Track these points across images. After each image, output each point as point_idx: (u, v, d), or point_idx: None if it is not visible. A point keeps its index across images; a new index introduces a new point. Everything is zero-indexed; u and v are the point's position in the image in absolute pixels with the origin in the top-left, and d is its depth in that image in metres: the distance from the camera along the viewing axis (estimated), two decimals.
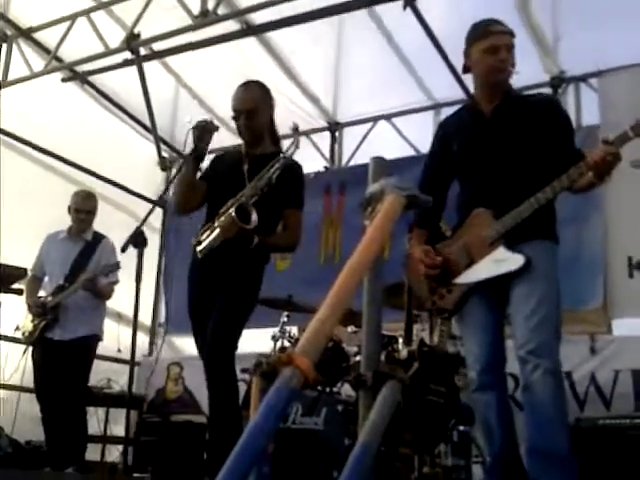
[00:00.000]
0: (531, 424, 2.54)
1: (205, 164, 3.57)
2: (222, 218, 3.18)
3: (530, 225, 2.66)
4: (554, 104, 2.99)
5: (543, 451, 2.48)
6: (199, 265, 3.31)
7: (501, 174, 2.78)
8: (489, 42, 2.79)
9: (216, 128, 3.33)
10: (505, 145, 2.80)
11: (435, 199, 2.96)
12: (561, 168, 2.63)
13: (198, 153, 3.30)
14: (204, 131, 3.28)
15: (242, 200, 3.16)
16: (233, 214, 3.10)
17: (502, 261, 2.67)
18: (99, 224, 4.92)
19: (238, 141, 7.66)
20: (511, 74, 2.85)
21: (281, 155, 3.32)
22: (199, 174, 3.48)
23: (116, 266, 4.59)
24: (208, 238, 3.20)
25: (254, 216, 3.11)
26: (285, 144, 3.53)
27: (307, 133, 6.76)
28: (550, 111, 2.85)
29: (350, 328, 4.16)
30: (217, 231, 3.17)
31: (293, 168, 3.38)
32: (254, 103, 3.41)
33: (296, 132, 3.42)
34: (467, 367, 2.85)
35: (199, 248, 3.24)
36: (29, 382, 4.69)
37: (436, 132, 3.17)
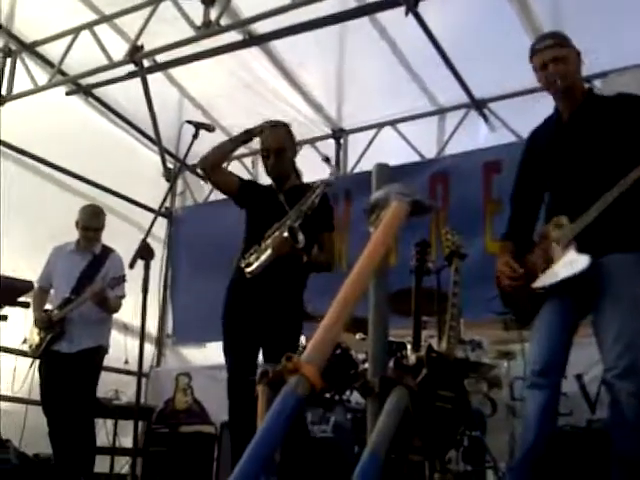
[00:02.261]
0: (616, 435, 2.59)
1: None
2: (269, 241, 3.40)
3: (611, 236, 2.64)
4: (634, 99, 2.91)
5: (631, 461, 2.53)
6: (247, 284, 3.45)
7: (582, 178, 2.77)
8: (536, 61, 2.92)
9: (213, 129, 3.60)
10: (584, 149, 2.80)
11: (525, 211, 3.04)
12: None
13: (248, 137, 3.66)
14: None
15: (290, 223, 3.39)
16: (286, 234, 3.35)
17: (572, 263, 2.65)
18: (104, 235, 4.91)
19: (242, 151, 7.69)
20: (569, 83, 2.87)
21: (321, 182, 3.62)
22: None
23: (122, 279, 4.58)
24: (260, 259, 3.39)
25: (301, 236, 3.34)
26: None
27: (312, 141, 6.78)
28: (632, 106, 2.81)
29: (358, 335, 4.15)
30: (269, 251, 3.37)
31: (325, 196, 3.62)
32: (282, 143, 3.65)
33: (327, 161, 3.60)
34: (526, 364, 2.87)
35: (250, 269, 3.41)
36: (37, 395, 4.69)
37: (526, 141, 3.18)
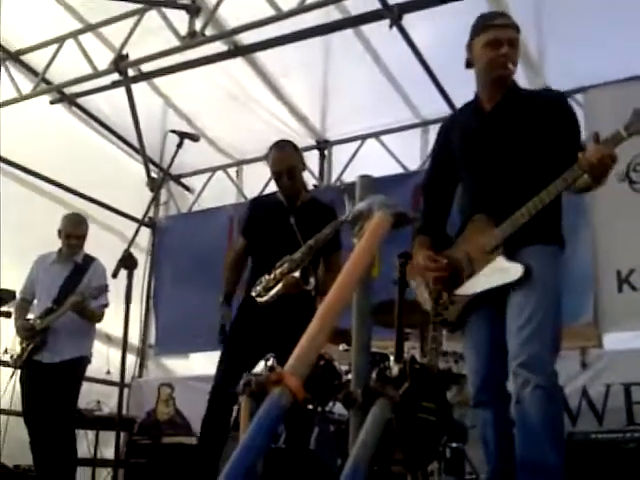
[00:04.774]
0: (520, 438, 2.48)
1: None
2: (278, 272, 3.46)
3: (531, 229, 2.55)
4: (561, 101, 2.77)
5: (531, 466, 2.42)
6: (258, 309, 3.55)
7: (501, 174, 2.66)
8: (490, 35, 2.66)
9: (197, 139, 3.56)
10: (505, 143, 2.67)
11: (439, 204, 2.91)
12: (565, 168, 2.50)
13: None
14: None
15: (303, 264, 3.41)
16: (297, 274, 3.39)
17: (502, 271, 2.57)
18: (87, 244, 4.88)
19: (227, 161, 7.69)
20: (513, 71, 2.71)
21: (339, 220, 3.50)
22: (240, 231, 4.05)
23: (104, 289, 4.55)
24: (269, 292, 3.48)
25: (312, 279, 3.42)
26: None
27: None
28: (556, 108, 2.69)
29: (342, 346, 4.15)
30: (280, 286, 3.44)
31: (332, 214, 3.65)
32: (293, 162, 3.69)
33: (343, 192, 3.62)
34: (467, 383, 2.81)
35: (261, 300, 3.52)
36: (18, 405, 4.65)
37: (438, 132, 3.00)
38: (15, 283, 4.85)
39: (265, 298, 3.49)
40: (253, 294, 3.54)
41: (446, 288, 2.76)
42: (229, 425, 3.47)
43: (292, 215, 3.64)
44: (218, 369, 3.57)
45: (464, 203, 2.83)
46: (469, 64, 2.80)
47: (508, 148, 2.67)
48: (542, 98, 2.77)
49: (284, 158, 3.68)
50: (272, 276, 3.48)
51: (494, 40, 2.65)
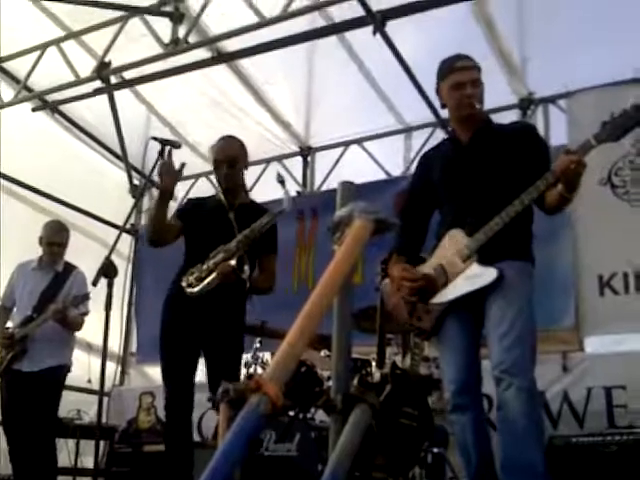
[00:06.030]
0: (504, 441, 2.54)
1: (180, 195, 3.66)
2: (212, 262, 3.38)
3: (504, 245, 2.69)
4: (531, 130, 3.05)
5: (517, 468, 2.48)
6: (186, 302, 3.43)
7: (478, 199, 2.80)
8: (454, 79, 2.86)
9: (178, 145, 3.46)
10: (482, 170, 2.83)
11: (416, 227, 3.05)
12: None
13: (166, 191, 3.41)
14: (167, 167, 3.37)
15: (239, 252, 3.38)
16: (233, 262, 3.34)
17: (476, 277, 2.68)
18: (69, 252, 4.85)
19: (210, 167, 7.68)
20: (480, 108, 2.90)
21: (273, 212, 3.50)
22: (175, 212, 3.74)
23: (85, 297, 4.51)
24: (203, 282, 3.37)
25: (247, 267, 3.37)
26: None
27: (279, 158, 6.80)
28: (527, 137, 2.90)
29: (323, 352, 4.15)
30: (213, 276, 3.35)
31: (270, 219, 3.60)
32: (235, 152, 3.65)
33: (282, 184, 3.58)
34: (443, 388, 2.85)
35: (192, 290, 3.39)
36: None
37: (418, 162, 3.21)
38: None
39: (197, 289, 3.37)
40: (183, 284, 3.42)
41: (421, 299, 2.85)
42: (191, 434, 3.47)
43: (232, 211, 3.59)
44: (164, 381, 3.49)
45: (441, 226, 2.96)
46: (444, 105, 3.00)
47: (485, 174, 2.83)
48: (513, 129, 3.01)
49: (226, 148, 3.65)
50: (205, 266, 3.40)
51: (458, 83, 2.86)
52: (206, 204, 3.76)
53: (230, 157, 3.61)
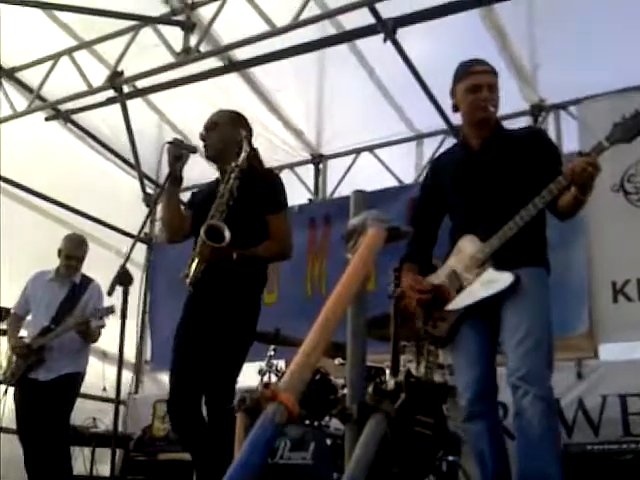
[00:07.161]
0: (521, 449, 2.52)
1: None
2: (198, 246, 3.13)
3: (519, 251, 2.68)
4: (541, 134, 3.06)
5: (533, 477, 2.47)
6: (190, 299, 3.27)
7: (490, 205, 2.80)
8: (470, 81, 2.86)
9: (194, 149, 3.28)
10: (494, 176, 2.83)
11: (426, 234, 3.05)
12: None
13: (173, 176, 3.23)
14: (178, 151, 3.21)
15: (210, 221, 3.06)
16: (202, 236, 3.01)
17: (491, 282, 2.66)
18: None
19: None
20: (494, 113, 2.90)
21: (233, 164, 3.17)
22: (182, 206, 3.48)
23: (110, 310, 4.42)
24: (191, 269, 3.15)
25: (227, 233, 3.00)
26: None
27: (291, 166, 6.82)
28: (537, 142, 2.89)
29: (337, 360, 4.14)
30: (196, 259, 3.12)
31: (261, 174, 3.32)
32: (213, 120, 3.37)
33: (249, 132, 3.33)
34: (459, 396, 2.84)
35: (187, 280, 3.19)
36: (11, 423, 4.61)
37: (429, 168, 3.21)
38: (11, 301, 4.82)
39: (189, 278, 3.13)
40: (181, 275, 3.19)
41: (433, 308, 2.85)
42: (202, 432, 3.06)
43: (223, 182, 3.22)
44: (170, 381, 3.20)
45: (454, 232, 2.95)
46: (455, 108, 2.99)
47: (497, 179, 2.82)
48: (523, 134, 3.01)
49: (211, 116, 3.39)
50: (194, 252, 3.16)
51: (474, 85, 2.85)
52: (206, 189, 3.51)
53: (206, 126, 3.34)
